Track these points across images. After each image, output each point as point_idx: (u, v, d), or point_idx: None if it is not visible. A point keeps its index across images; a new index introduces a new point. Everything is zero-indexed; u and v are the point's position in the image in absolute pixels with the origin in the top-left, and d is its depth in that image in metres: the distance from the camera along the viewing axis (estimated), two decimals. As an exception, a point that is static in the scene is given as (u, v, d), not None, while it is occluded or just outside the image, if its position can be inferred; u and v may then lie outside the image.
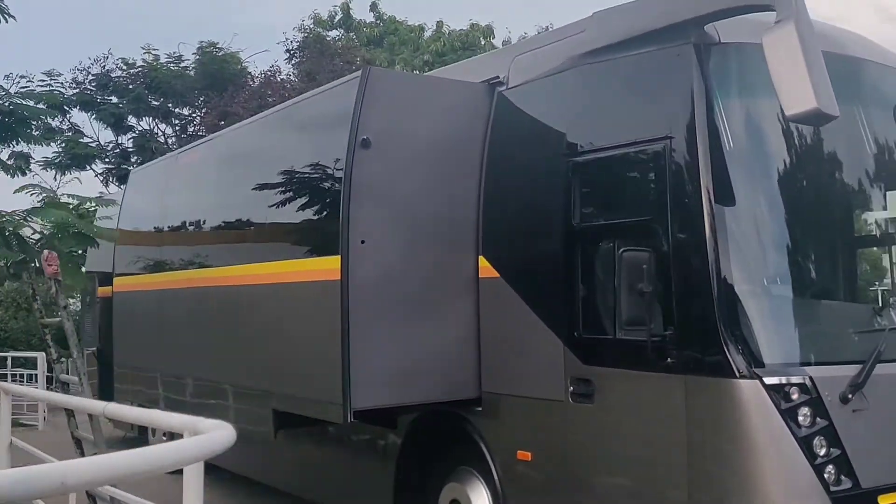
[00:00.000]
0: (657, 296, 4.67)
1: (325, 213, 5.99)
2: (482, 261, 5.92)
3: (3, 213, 6.25)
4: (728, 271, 4.54)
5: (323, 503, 7.70)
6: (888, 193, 5.46)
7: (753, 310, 4.58)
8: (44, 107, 7.44)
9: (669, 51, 4.91)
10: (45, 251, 5.37)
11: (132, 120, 24.09)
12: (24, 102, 7.00)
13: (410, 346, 5.72)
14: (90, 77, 23.60)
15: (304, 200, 6.51)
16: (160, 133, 24.65)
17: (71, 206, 7.94)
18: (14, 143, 7.22)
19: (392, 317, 5.68)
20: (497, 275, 5.82)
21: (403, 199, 5.80)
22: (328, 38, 27.02)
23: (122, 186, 24.46)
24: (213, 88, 23.47)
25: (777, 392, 4.34)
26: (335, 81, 6.98)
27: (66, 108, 23.04)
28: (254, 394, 7.13)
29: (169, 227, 8.84)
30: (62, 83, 22.99)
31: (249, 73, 24.27)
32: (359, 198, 5.56)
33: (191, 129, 24.40)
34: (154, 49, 25.04)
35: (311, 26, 27.65)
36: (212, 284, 7.33)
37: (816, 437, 4.32)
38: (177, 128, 24.79)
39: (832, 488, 4.27)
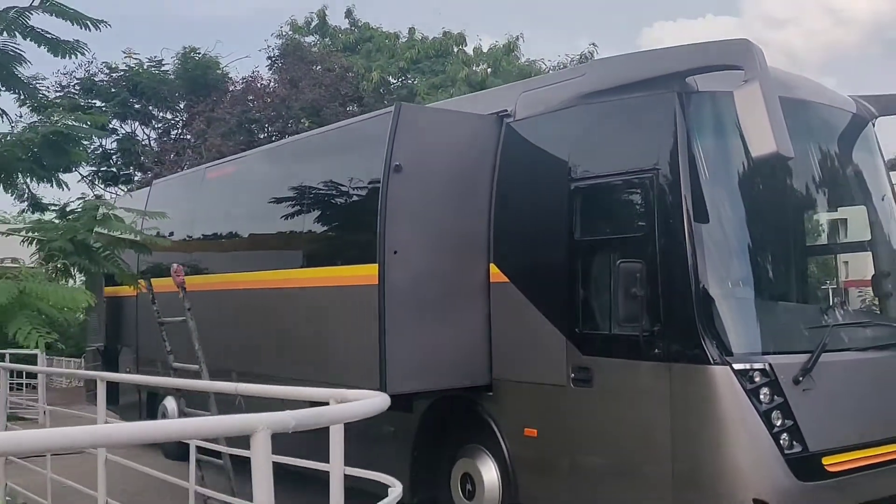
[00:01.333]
0: (647, 298, 5.74)
1: (363, 226, 6.96)
2: (493, 268, 6.95)
3: (77, 227, 7.09)
4: (704, 278, 5.64)
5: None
6: (831, 212, 6.63)
7: (725, 309, 5.69)
8: (91, 126, 8.28)
9: (657, 97, 5.99)
10: (175, 264, 6.22)
11: (115, 123, 24.65)
12: (77, 124, 7.83)
13: (433, 340, 6.73)
14: (75, 81, 24.14)
15: (344, 215, 7.54)
16: (145, 136, 25.29)
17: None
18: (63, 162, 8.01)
19: (419, 316, 6.68)
20: (506, 279, 6.86)
21: (428, 216, 6.81)
22: (305, 44, 27.79)
23: (108, 189, 25.14)
24: (194, 93, 24.17)
25: (743, 376, 5.44)
26: (370, 114, 8.01)
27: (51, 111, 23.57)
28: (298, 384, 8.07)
29: (204, 234, 9.78)
30: (47, 87, 23.59)
31: (230, 77, 24.98)
32: (392, 215, 6.56)
33: (173, 134, 25.07)
34: (135, 53, 25.70)
35: (289, 32, 28.39)
36: (258, 287, 8.25)
37: (774, 412, 5.43)
38: (159, 131, 25.44)
39: (786, 452, 5.37)
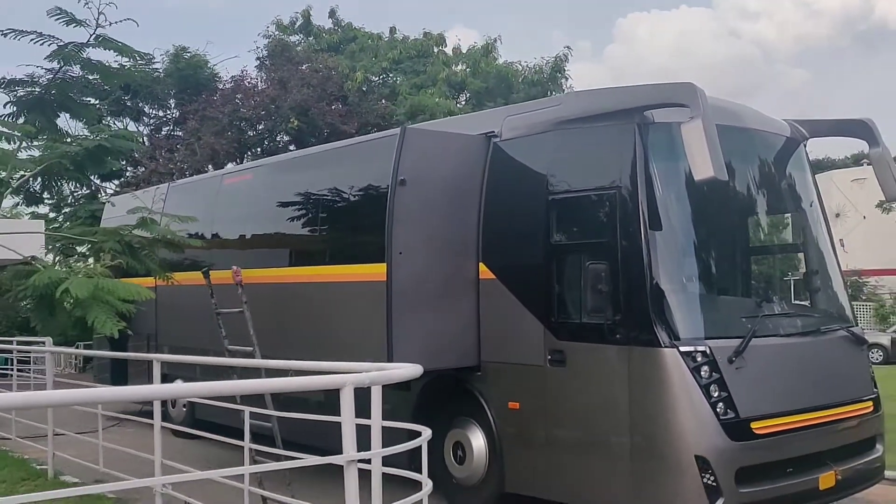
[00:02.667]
0: (610, 293, 7.00)
1: (374, 231, 8.15)
2: (482, 266, 8.18)
3: (125, 230, 8.21)
4: (657, 276, 6.90)
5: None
6: (765, 220, 7.96)
7: (674, 302, 6.97)
8: (125, 139, 9.40)
9: (620, 127, 7.24)
10: (234, 266, 7.35)
11: (109, 120, 25.56)
12: (115, 139, 8.93)
13: (432, 327, 7.94)
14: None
15: (357, 220, 8.80)
16: (137, 132, 26.21)
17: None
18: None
19: (419, 307, 7.90)
20: (493, 276, 8.10)
21: (427, 222, 8.02)
22: (290, 43, 28.82)
23: (103, 183, 25.99)
24: (185, 92, 25.14)
25: (688, 356, 6.71)
26: (380, 134, 9.24)
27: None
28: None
29: (229, 234, 11.00)
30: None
31: (219, 76, 25.96)
32: (398, 221, 7.77)
33: (165, 130, 26.04)
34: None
35: (275, 32, 29.42)
36: (280, 281, 9.43)
37: (712, 386, 6.69)
38: (150, 128, 26.39)
39: (721, 418, 6.64)
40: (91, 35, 8.01)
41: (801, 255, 8.46)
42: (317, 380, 4.80)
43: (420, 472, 4.71)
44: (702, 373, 6.71)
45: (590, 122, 7.51)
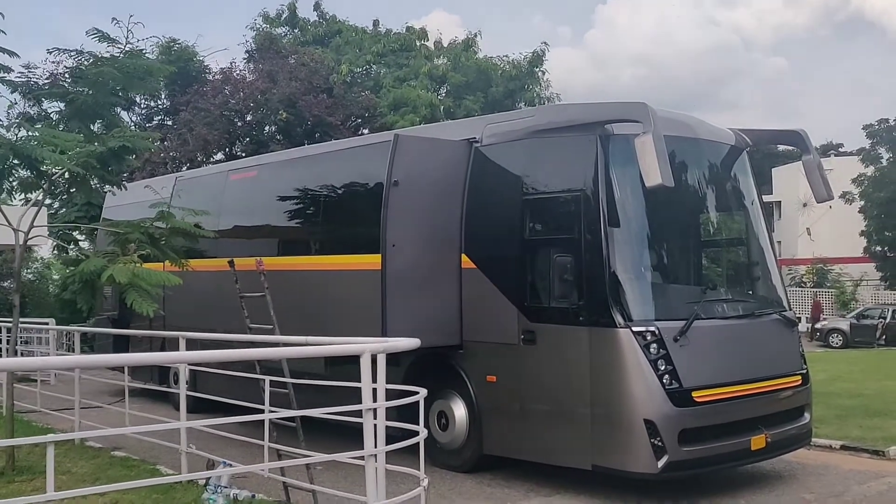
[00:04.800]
0: (575, 281, 8.18)
1: (370, 225, 9.27)
2: (464, 257, 9.32)
3: (147, 222, 9.24)
4: (614, 267, 8.08)
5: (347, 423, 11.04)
6: (709, 218, 9.18)
7: (628, 289, 8.16)
8: (143, 139, 10.41)
9: (584, 137, 8.40)
10: (258, 258, 8.40)
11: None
12: (135, 139, 9.93)
13: (420, 311, 9.06)
14: (64, 69, 25.79)
15: (356, 216, 9.97)
16: (129, 122, 27.03)
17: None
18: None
19: (410, 293, 9.02)
20: (474, 266, 9.24)
21: (417, 218, 9.14)
22: (276, 35, 29.73)
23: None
24: (175, 83, 25.99)
25: (639, 336, 7.90)
26: (375, 137, 10.43)
27: (42, 98, 25.15)
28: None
29: (238, 225, 12.13)
30: (38, 75, 25.17)
31: (208, 68, 26.82)
32: (391, 217, 8.88)
33: (156, 120, 26.90)
34: (118, 44, 27.33)
35: (262, 25, 30.32)
36: (291, 269, 10.48)
37: (659, 360, 7.89)
38: (142, 117, 27.22)
39: (667, 388, 7.84)
40: (122, 51, 9.09)
41: (741, 249, 9.71)
42: (341, 347, 6.02)
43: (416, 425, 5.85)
44: (651, 350, 7.89)
45: (559, 132, 8.66)
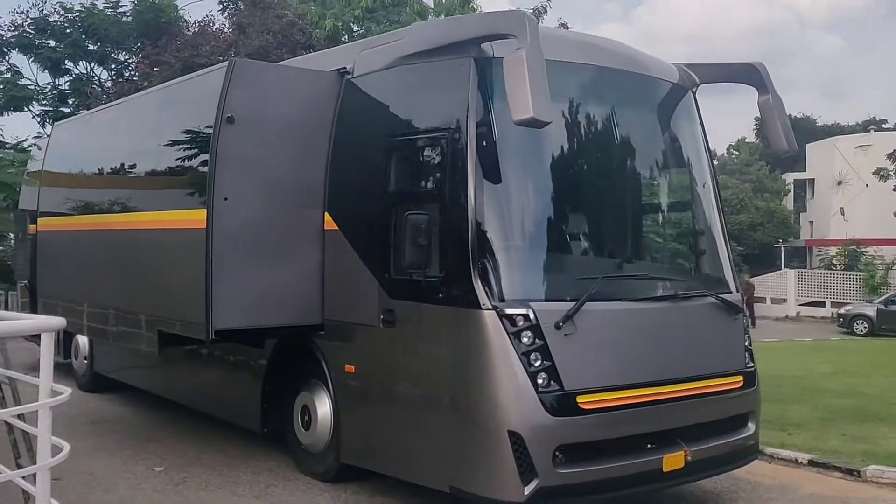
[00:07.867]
0: (432, 247, 6.25)
1: (197, 174, 7.44)
2: (327, 216, 7.43)
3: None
4: (482, 232, 6.14)
5: (208, 411, 9.30)
6: (626, 173, 7.15)
7: (498, 260, 6.19)
8: None
9: (455, 62, 6.44)
10: None
11: (69, 64, 24.90)
12: None
13: (266, 281, 7.22)
14: (28, 20, 24.37)
15: (182, 164, 8.00)
16: (96, 77, 25.53)
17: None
18: None
19: (251, 258, 7.16)
20: (337, 228, 7.36)
21: (263, 165, 7.24)
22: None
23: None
24: (147, 36, 24.38)
25: (508, 320, 5.96)
26: (208, 69, 8.44)
27: (4, 49, 23.80)
28: (146, 319, 8.65)
29: (82, 176, 10.26)
30: (1, 25, 23.80)
31: (184, 20, 25.17)
32: (223, 163, 7.02)
33: (127, 74, 25.34)
34: None
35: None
36: (112, 228, 8.77)
37: (533, 353, 5.94)
38: (113, 72, 25.70)
39: (541, 390, 5.90)
40: None
41: (673, 213, 7.67)
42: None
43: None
44: (523, 339, 5.98)
45: (428, 56, 6.70)
